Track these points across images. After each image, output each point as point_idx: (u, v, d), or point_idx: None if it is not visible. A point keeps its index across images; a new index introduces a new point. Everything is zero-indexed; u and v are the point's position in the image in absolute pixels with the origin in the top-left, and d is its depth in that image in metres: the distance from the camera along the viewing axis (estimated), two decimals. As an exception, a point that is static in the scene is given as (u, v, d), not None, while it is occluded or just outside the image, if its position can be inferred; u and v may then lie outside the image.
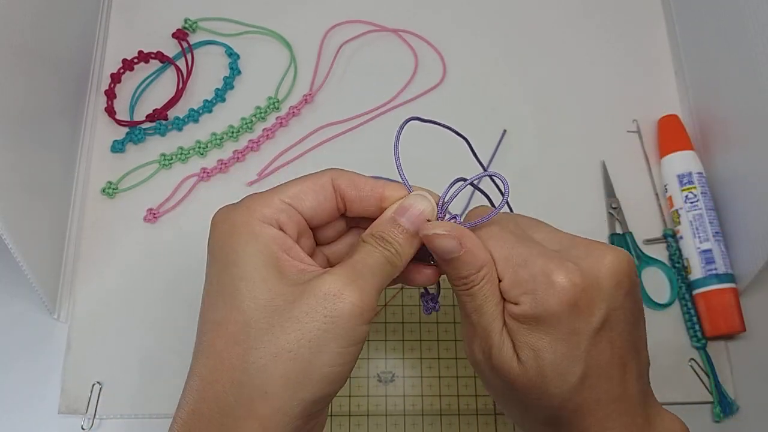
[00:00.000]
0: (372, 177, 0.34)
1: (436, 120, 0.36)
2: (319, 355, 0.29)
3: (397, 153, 0.35)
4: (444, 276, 0.35)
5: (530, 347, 0.31)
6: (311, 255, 0.35)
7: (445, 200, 0.34)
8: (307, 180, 0.34)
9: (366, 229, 0.34)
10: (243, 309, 0.30)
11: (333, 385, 0.30)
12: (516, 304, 0.32)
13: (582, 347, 0.31)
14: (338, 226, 0.36)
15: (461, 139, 0.37)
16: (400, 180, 0.35)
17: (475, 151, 0.37)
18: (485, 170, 0.35)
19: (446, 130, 0.37)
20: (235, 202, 0.33)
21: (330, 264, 0.37)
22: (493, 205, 0.36)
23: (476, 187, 0.36)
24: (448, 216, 0.34)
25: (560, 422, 0.33)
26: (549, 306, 0.31)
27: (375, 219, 0.34)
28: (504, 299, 0.33)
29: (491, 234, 0.33)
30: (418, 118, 0.36)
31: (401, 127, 0.35)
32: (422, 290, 0.37)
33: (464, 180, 0.35)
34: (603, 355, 0.32)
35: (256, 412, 0.29)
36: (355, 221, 0.36)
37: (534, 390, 0.32)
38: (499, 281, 0.33)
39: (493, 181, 0.36)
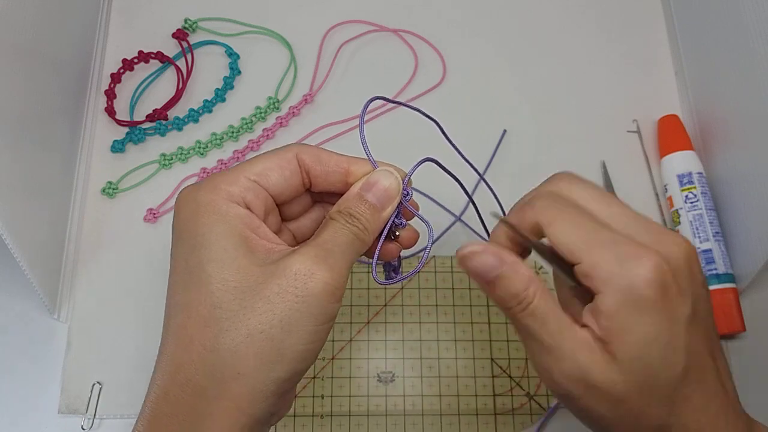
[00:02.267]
0: (336, 153, 0.35)
1: (401, 101, 0.38)
2: (291, 335, 0.29)
3: (362, 130, 0.35)
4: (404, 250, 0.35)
5: (628, 341, 0.28)
6: (277, 233, 0.35)
7: (410, 178, 0.35)
8: (272, 156, 0.33)
9: (332, 204, 0.35)
10: (212, 291, 0.30)
11: (305, 362, 0.31)
12: (596, 294, 0.29)
13: (681, 335, 0.29)
14: (303, 201, 0.36)
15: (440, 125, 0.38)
16: (366, 156, 0.35)
17: (447, 135, 0.38)
18: (461, 154, 0.36)
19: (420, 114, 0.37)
20: (199, 181, 0.33)
21: (296, 241, 0.37)
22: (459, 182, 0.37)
23: (444, 169, 0.37)
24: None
25: (671, 427, 0.30)
26: (643, 291, 0.28)
27: (340, 194, 0.34)
28: (576, 297, 0.31)
29: (565, 215, 0.30)
30: (384, 98, 0.37)
31: (366, 105, 0.35)
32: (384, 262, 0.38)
33: (432, 160, 0.35)
34: (699, 346, 0.29)
35: (229, 392, 0.29)
36: (319, 196, 0.37)
37: (641, 392, 0.29)
38: (572, 266, 0.30)
39: (487, 184, 0.36)
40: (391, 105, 0.57)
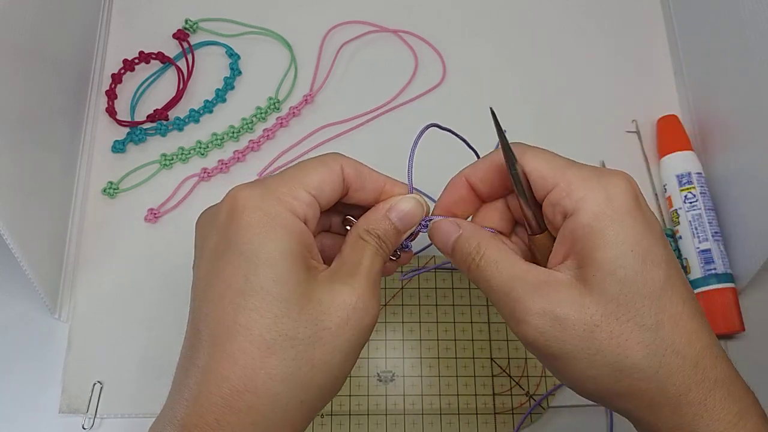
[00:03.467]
0: (373, 169, 0.35)
1: (453, 130, 0.38)
2: (345, 364, 0.30)
3: (412, 155, 0.36)
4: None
5: (605, 257, 0.28)
6: None
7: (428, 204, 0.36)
8: (323, 167, 0.33)
9: (335, 213, 0.36)
10: (278, 315, 0.28)
11: (342, 385, 0.31)
12: (570, 216, 0.30)
13: (660, 245, 0.29)
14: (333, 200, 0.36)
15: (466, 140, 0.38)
16: (406, 180, 0.36)
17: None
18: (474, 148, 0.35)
19: (456, 138, 0.38)
20: (254, 184, 0.31)
21: None
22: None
23: (449, 131, 0.38)
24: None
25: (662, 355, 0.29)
26: (621, 199, 0.29)
27: (361, 202, 0.34)
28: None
29: (537, 150, 0.33)
30: (439, 126, 0.37)
31: (421, 133, 0.36)
32: None
33: (436, 125, 0.36)
34: (674, 260, 0.30)
35: (290, 420, 0.29)
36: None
37: (618, 313, 0.28)
38: (548, 192, 0.31)
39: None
40: (391, 105, 0.57)
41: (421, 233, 0.36)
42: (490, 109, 0.33)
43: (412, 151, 0.36)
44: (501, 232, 0.35)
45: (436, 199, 0.36)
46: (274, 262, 0.29)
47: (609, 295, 0.28)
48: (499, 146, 0.33)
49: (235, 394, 0.28)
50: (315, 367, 0.29)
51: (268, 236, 0.29)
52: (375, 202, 0.35)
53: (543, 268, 0.31)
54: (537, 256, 0.34)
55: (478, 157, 0.37)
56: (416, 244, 0.37)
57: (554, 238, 0.32)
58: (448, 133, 0.37)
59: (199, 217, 0.33)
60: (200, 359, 0.29)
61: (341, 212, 0.36)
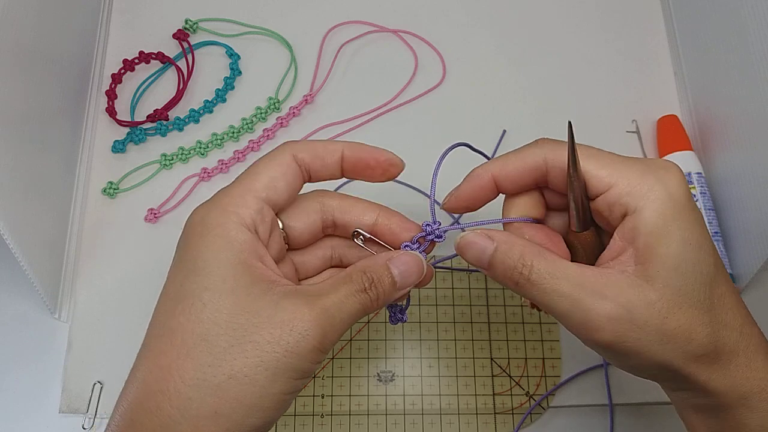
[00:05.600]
0: (325, 141, 0.34)
1: (483, 152, 0.37)
2: (274, 384, 0.28)
3: (436, 173, 0.35)
4: (413, 290, 0.34)
5: (667, 252, 0.30)
6: (279, 257, 0.34)
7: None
8: (273, 164, 0.32)
9: (344, 240, 0.35)
10: (203, 320, 0.28)
11: (280, 412, 0.30)
12: (630, 214, 0.31)
13: (706, 235, 0.31)
14: (314, 230, 0.35)
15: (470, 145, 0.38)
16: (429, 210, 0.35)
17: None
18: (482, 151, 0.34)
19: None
20: (208, 199, 0.32)
21: (297, 275, 0.36)
22: None
23: (478, 151, 0.36)
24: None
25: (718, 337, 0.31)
26: (680, 196, 0.30)
27: (328, 177, 0.34)
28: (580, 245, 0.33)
29: (582, 149, 0.32)
30: (468, 146, 0.36)
31: (445, 153, 0.35)
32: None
33: (465, 145, 0.35)
34: (714, 245, 0.32)
35: (201, 429, 0.27)
36: (332, 229, 0.35)
37: (680, 304, 0.30)
38: (603, 191, 0.31)
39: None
40: (391, 105, 0.57)
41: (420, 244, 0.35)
42: (569, 122, 0.32)
43: (436, 170, 0.35)
44: (538, 220, 0.35)
45: (434, 197, 0.35)
46: (208, 271, 0.29)
47: (673, 288, 0.30)
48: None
49: (149, 394, 0.28)
50: (233, 378, 0.28)
51: (205, 246, 0.30)
52: (340, 172, 0.34)
53: (596, 269, 0.31)
54: (579, 251, 0.34)
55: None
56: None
57: (599, 235, 0.33)
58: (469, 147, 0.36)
59: None
60: (136, 363, 0.30)
61: (346, 240, 0.36)
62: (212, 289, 0.29)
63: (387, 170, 0.34)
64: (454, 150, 0.35)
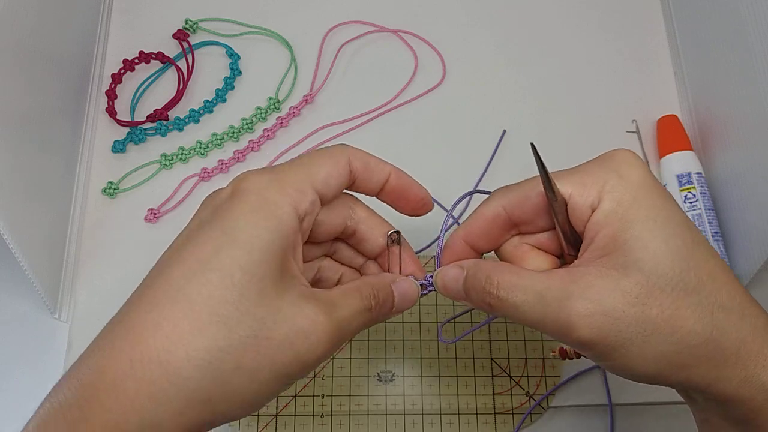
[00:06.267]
0: (380, 159, 0.33)
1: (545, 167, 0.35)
2: (274, 384, 0.28)
3: (447, 219, 0.35)
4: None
5: (641, 235, 0.28)
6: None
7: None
8: (331, 160, 0.31)
9: (345, 246, 0.35)
10: (227, 301, 0.26)
11: (255, 409, 0.28)
12: (600, 203, 0.30)
13: (684, 215, 0.30)
14: (337, 231, 0.34)
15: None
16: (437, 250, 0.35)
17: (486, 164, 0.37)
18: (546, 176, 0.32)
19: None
20: (263, 170, 0.30)
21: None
22: None
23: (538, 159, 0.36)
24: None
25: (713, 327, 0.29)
26: (647, 180, 0.29)
27: (366, 192, 0.33)
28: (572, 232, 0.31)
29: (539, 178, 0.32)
30: (481, 191, 0.36)
31: (457, 202, 0.35)
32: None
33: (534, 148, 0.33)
34: (692, 222, 0.30)
35: (188, 414, 0.26)
36: (348, 237, 0.35)
37: (663, 287, 0.28)
38: (566, 204, 0.31)
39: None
40: (391, 105, 0.57)
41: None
42: (531, 144, 0.31)
43: (447, 216, 0.35)
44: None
45: (448, 207, 0.36)
46: (251, 248, 0.27)
47: (646, 270, 0.28)
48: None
49: (144, 361, 0.25)
50: (238, 369, 0.26)
51: (257, 221, 0.28)
52: (378, 192, 0.34)
53: (564, 270, 0.30)
54: None
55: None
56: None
57: None
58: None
59: (206, 196, 0.32)
60: (128, 318, 0.27)
61: (342, 241, 0.35)
62: (246, 270, 0.27)
63: (419, 208, 0.35)
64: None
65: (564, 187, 0.31)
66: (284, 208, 0.28)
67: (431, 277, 0.34)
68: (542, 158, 0.30)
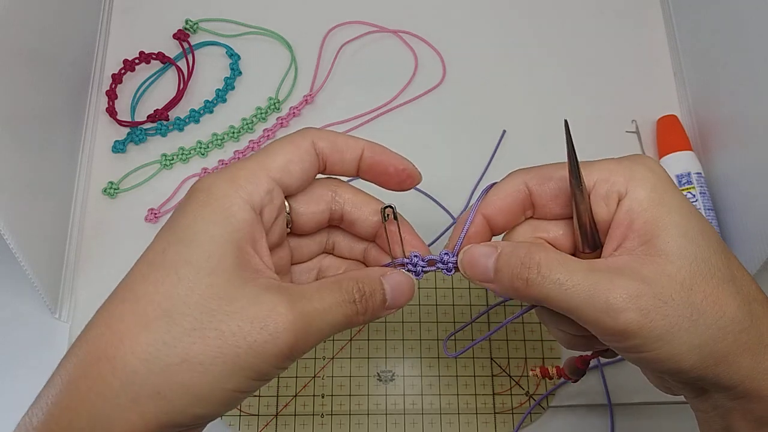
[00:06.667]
0: (347, 135, 0.32)
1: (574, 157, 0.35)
2: (228, 379, 0.26)
3: (473, 213, 0.33)
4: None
5: (672, 221, 0.28)
6: (278, 243, 0.32)
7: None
8: (291, 146, 0.31)
9: (346, 234, 0.34)
10: (172, 296, 0.26)
11: (228, 408, 0.27)
12: (625, 195, 0.30)
13: (699, 213, 0.30)
14: (321, 218, 0.33)
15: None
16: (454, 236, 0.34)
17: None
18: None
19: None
20: (221, 168, 0.30)
21: (291, 261, 0.34)
22: None
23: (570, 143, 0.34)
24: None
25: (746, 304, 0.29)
26: (660, 172, 0.30)
27: (342, 173, 0.32)
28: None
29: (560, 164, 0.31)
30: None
31: (482, 194, 0.33)
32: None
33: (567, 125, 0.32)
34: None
35: (140, 408, 0.26)
36: (338, 221, 0.34)
37: (699, 270, 0.28)
38: (590, 191, 0.30)
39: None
40: (391, 105, 0.57)
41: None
42: (565, 122, 0.30)
43: (473, 211, 0.33)
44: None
45: (451, 210, 0.35)
46: (196, 244, 0.27)
47: (688, 257, 0.28)
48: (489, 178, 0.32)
49: (94, 359, 0.26)
50: (186, 362, 0.26)
51: (202, 217, 0.28)
52: (356, 171, 0.33)
53: (605, 259, 0.29)
54: None
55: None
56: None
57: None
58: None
59: None
60: (91, 322, 0.28)
61: (338, 228, 0.35)
62: (193, 264, 0.27)
63: (403, 181, 0.33)
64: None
65: (590, 175, 0.30)
66: (234, 200, 0.28)
67: (446, 254, 0.33)
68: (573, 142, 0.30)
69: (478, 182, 0.54)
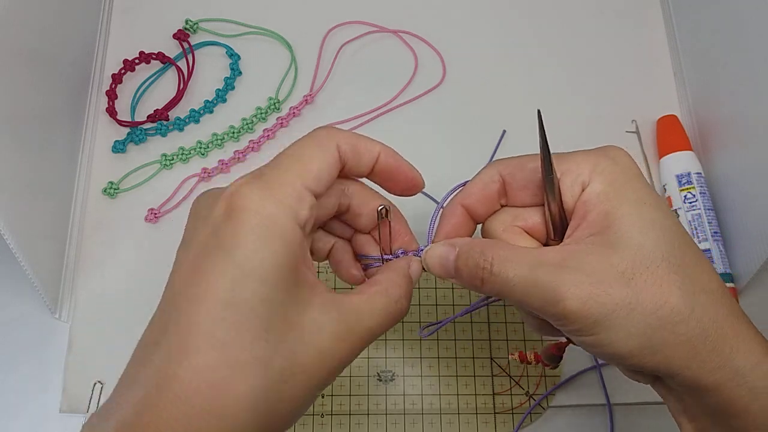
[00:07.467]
0: (367, 137, 0.33)
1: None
2: (309, 399, 0.28)
3: (436, 213, 0.36)
4: None
5: (628, 212, 0.30)
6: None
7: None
8: (320, 151, 0.30)
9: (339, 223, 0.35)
10: (257, 338, 0.26)
11: (291, 425, 0.29)
12: (587, 186, 0.31)
13: (661, 198, 0.31)
14: (331, 212, 0.34)
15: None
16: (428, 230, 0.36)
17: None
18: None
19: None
20: (254, 178, 0.29)
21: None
22: None
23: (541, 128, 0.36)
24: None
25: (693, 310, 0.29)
26: (624, 162, 0.31)
27: (356, 175, 0.33)
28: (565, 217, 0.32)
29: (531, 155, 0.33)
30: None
31: (448, 194, 0.36)
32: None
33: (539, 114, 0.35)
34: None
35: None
36: (343, 215, 0.35)
37: (649, 265, 0.29)
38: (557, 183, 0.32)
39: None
40: (391, 105, 0.57)
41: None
42: (538, 111, 0.33)
43: (437, 209, 0.36)
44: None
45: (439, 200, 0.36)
46: (265, 277, 0.26)
47: (634, 247, 0.29)
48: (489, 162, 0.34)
49: (193, 412, 0.25)
50: (281, 402, 0.27)
51: (263, 246, 0.27)
52: (368, 173, 0.33)
53: (557, 246, 0.31)
54: None
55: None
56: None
57: None
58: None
59: (197, 198, 0.31)
60: (160, 362, 0.26)
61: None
62: (269, 300, 0.26)
63: (409, 189, 0.35)
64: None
65: (559, 166, 0.32)
66: (287, 225, 0.27)
67: (421, 250, 0.35)
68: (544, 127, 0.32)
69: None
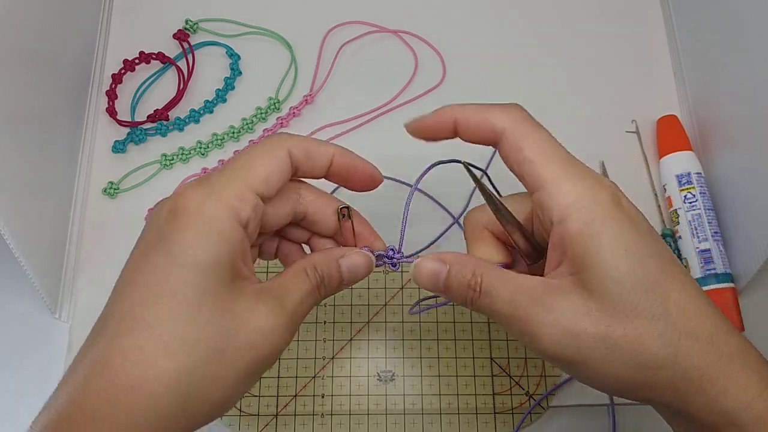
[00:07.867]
0: (318, 140, 0.33)
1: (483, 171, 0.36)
2: (239, 385, 0.29)
3: (412, 191, 0.35)
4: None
5: (602, 258, 0.29)
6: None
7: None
8: (269, 156, 0.31)
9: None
10: (187, 321, 0.28)
11: (225, 411, 0.30)
12: (560, 221, 0.30)
13: (650, 242, 0.30)
14: (285, 219, 0.34)
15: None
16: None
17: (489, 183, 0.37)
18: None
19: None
20: (198, 182, 0.30)
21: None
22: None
23: (471, 171, 0.36)
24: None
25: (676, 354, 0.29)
26: (608, 205, 0.29)
27: (311, 177, 0.34)
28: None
29: (534, 140, 0.32)
30: (466, 164, 0.36)
31: (427, 170, 0.36)
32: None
33: (459, 162, 0.35)
34: (668, 253, 0.30)
35: (166, 427, 0.27)
36: (299, 221, 0.35)
37: (625, 312, 0.28)
38: (535, 191, 0.31)
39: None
40: (391, 105, 0.57)
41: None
42: (463, 164, 0.34)
43: (414, 186, 0.35)
44: (507, 266, 0.35)
45: (452, 210, 0.36)
46: (199, 268, 0.28)
47: (612, 297, 0.28)
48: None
49: (118, 389, 0.26)
50: (208, 381, 0.28)
51: (200, 242, 0.28)
52: (324, 175, 0.34)
53: (540, 278, 0.31)
54: None
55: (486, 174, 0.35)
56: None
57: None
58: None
59: (155, 204, 0.32)
60: (95, 350, 0.28)
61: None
62: (201, 288, 0.28)
63: (368, 185, 0.35)
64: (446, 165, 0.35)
65: (539, 191, 0.31)
66: (225, 222, 0.29)
67: (391, 250, 0.35)
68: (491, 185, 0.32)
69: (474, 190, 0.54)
